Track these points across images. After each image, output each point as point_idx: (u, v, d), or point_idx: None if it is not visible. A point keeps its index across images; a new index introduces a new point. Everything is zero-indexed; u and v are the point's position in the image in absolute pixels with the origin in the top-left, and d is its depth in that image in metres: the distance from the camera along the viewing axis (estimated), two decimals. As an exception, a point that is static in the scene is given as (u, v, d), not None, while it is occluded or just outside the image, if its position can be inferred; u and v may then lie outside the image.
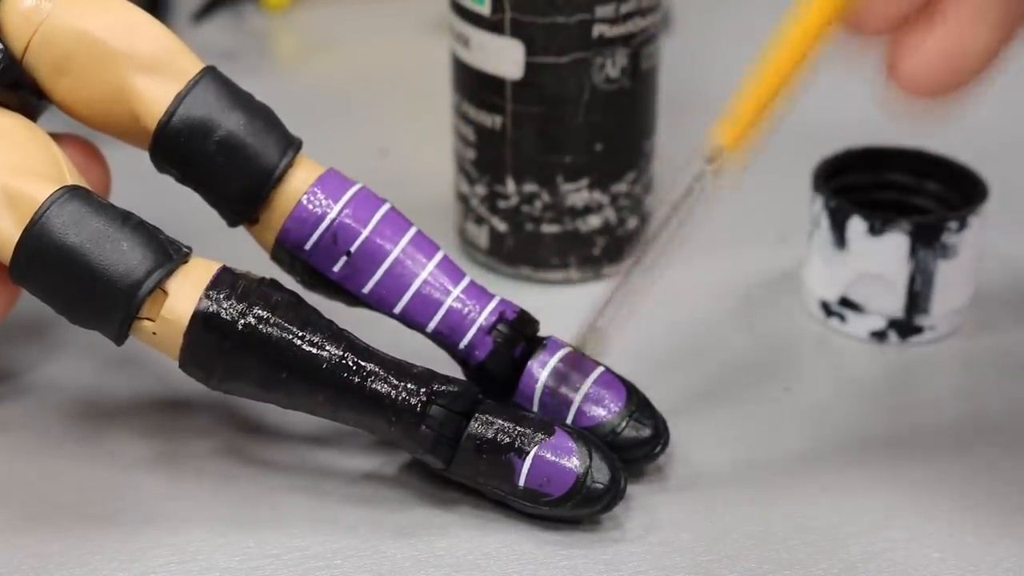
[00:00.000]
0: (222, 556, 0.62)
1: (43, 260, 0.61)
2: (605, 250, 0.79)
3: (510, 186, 0.77)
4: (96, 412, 0.70)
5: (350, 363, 0.61)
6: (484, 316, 0.65)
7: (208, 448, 0.67)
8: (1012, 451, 0.68)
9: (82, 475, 0.66)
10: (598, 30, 0.74)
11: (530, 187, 0.77)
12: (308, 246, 0.65)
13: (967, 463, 0.67)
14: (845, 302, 0.74)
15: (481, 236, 0.79)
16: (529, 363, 0.65)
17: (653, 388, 0.71)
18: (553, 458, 0.61)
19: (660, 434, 0.65)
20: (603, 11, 0.73)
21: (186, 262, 0.62)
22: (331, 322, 0.62)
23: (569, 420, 0.64)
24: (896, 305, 0.73)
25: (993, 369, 0.73)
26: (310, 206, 0.65)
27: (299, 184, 0.65)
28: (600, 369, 0.66)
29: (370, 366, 0.61)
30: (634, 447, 0.64)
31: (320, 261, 0.65)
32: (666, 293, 0.79)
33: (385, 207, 0.66)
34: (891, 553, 0.62)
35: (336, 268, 0.65)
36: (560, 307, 0.77)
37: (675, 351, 0.74)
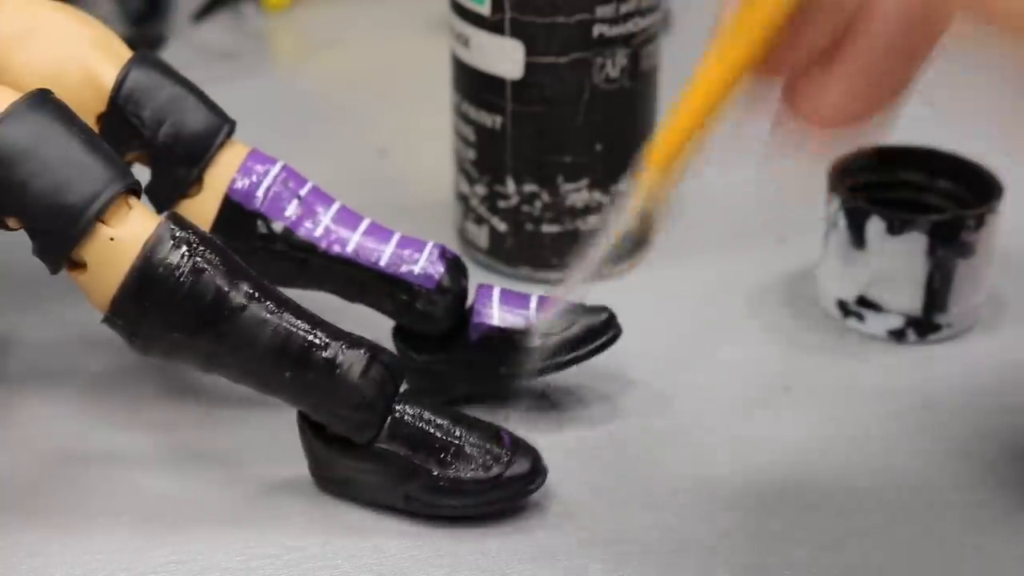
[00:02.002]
0: (222, 556, 0.62)
1: (27, 135, 0.60)
2: (605, 250, 0.79)
3: (510, 186, 0.77)
4: (97, 412, 0.70)
5: (296, 314, 0.62)
6: (429, 247, 0.69)
7: (208, 449, 0.68)
8: (1017, 451, 0.68)
9: (83, 475, 0.66)
10: (598, 30, 0.74)
11: (530, 187, 0.77)
12: (260, 191, 0.67)
13: (973, 463, 0.67)
14: (863, 301, 0.74)
15: (481, 236, 0.79)
16: (478, 289, 0.69)
17: (655, 387, 0.71)
18: (481, 438, 0.64)
19: (612, 319, 0.69)
20: (603, 11, 0.73)
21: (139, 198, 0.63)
22: (274, 286, 0.63)
23: (533, 317, 0.68)
24: (915, 303, 0.73)
25: (1010, 366, 0.74)
26: (257, 157, 0.68)
27: (240, 150, 0.68)
28: (538, 293, 0.70)
29: (313, 323, 0.62)
30: (595, 333, 0.68)
31: (272, 208, 0.67)
32: (669, 293, 0.79)
33: (311, 182, 0.69)
34: (892, 554, 0.62)
35: (288, 212, 0.67)
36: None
37: (680, 350, 0.74)
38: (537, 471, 0.63)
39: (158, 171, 0.68)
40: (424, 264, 0.68)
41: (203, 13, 1.05)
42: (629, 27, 0.74)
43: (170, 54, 0.99)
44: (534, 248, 0.78)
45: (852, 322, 0.75)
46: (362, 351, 0.62)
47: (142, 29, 1.01)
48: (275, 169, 0.68)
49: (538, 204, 0.77)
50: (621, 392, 0.71)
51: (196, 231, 0.62)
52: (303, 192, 0.68)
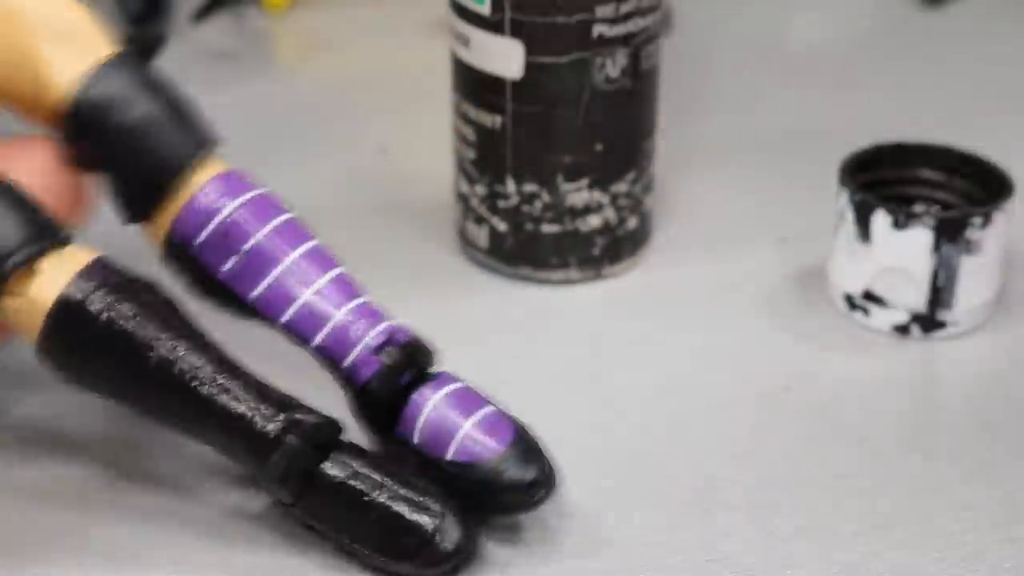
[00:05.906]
0: (225, 552, 0.62)
1: None
2: (605, 250, 0.79)
3: (510, 186, 0.77)
4: (98, 425, 0.70)
5: (209, 376, 0.59)
6: (372, 336, 0.62)
7: (211, 455, 0.68)
8: (1018, 452, 0.68)
9: (85, 479, 0.66)
10: (598, 30, 0.73)
11: (530, 187, 0.77)
12: (198, 241, 0.63)
13: (973, 463, 0.67)
14: (869, 295, 0.74)
15: (481, 236, 0.79)
16: (414, 393, 0.62)
17: (657, 387, 0.71)
18: (406, 510, 0.59)
19: (546, 478, 0.61)
20: (603, 11, 0.73)
21: (63, 246, 0.61)
22: (203, 333, 0.60)
23: (449, 456, 0.61)
24: (919, 299, 0.73)
25: (1014, 367, 0.74)
26: (203, 200, 0.63)
27: (201, 180, 0.64)
28: (489, 407, 0.62)
29: (231, 383, 0.59)
30: (517, 490, 0.61)
31: (209, 258, 0.63)
32: (674, 293, 0.79)
33: (285, 216, 0.64)
34: (891, 553, 0.62)
35: (225, 268, 0.63)
36: (560, 307, 0.77)
37: (682, 349, 0.74)
38: (464, 547, 0.59)
39: (118, 190, 0.64)
40: (358, 354, 0.61)
41: (203, 13, 1.05)
42: (629, 27, 0.74)
43: (170, 54, 0.99)
44: (534, 248, 0.78)
45: (858, 316, 0.75)
46: (280, 418, 0.59)
47: (142, 29, 1.01)
48: (225, 212, 0.63)
49: (538, 204, 0.77)
50: (621, 391, 0.71)
51: (111, 287, 0.60)
52: (247, 247, 0.62)
